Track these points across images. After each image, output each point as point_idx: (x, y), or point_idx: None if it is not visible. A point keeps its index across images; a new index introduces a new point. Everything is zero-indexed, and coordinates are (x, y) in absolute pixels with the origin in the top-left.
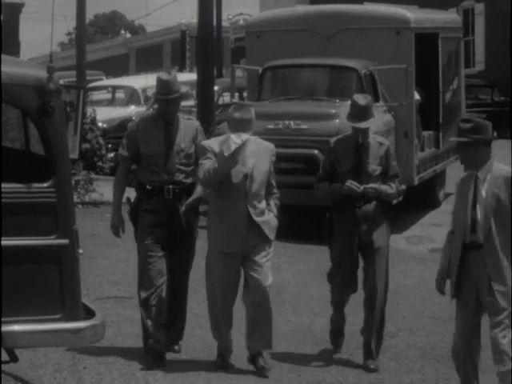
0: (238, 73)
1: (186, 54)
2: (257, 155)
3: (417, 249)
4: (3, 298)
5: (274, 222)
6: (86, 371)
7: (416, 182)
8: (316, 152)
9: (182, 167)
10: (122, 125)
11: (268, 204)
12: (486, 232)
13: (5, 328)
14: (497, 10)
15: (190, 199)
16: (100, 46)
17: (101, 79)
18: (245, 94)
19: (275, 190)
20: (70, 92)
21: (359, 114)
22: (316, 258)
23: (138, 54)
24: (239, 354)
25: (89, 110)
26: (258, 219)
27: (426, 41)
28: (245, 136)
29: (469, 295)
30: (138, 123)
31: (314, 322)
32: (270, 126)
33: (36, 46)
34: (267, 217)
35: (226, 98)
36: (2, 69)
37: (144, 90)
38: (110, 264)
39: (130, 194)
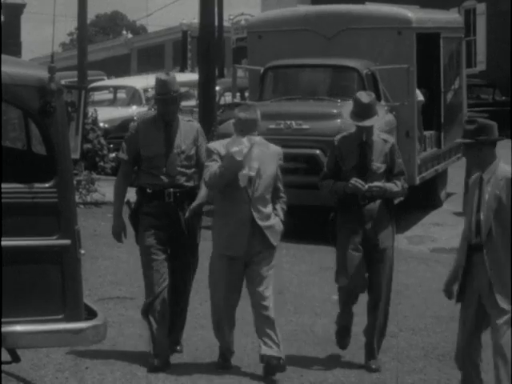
0: (240, 73)
1: (187, 55)
2: (263, 158)
3: (418, 249)
4: (5, 299)
5: (279, 227)
6: (87, 371)
7: (418, 181)
8: (317, 152)
9: (183, 169)
10: (123, 125)
11: (274, 208)
12: (487, 233)
13: (7, 328)
14: (498, 10)
15: (194, 204)
16: (101, 46)
17: (102, 79)
18: (246, 94)
19: (282, 195)
20: (71, 92)
21: (362, 111)
22: (318, 258)
23: (139, 55)
24: (241, 355)
25: (90, 110)
26: (262, 224)
27: (428, 41)
28: (254, 138)
29: (472, 296)
30: (138, 126)
31: (315, 322)
32: (272, 126)
33: (37, 46)
34: (272, 221)
35: (227, 98)
36: (4, 69)
37: (145, 90)
38: (111, 264)
39: (131, 194)
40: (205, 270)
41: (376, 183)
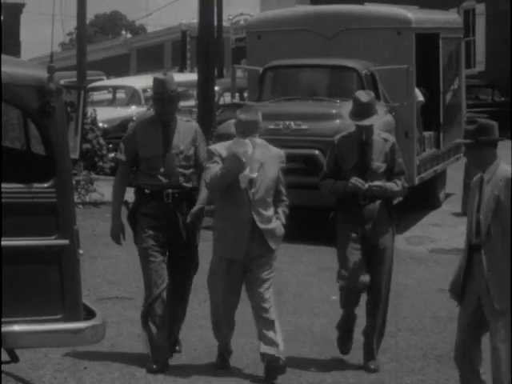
0: (239, 73)
1: (186, 55)
2: (264, 161)
3: (417, 249)
4: (4, 299)
5: (280, 231)
6: (86, 371)
7: (417, 182)
8: (316, 152)
9: (182, 170)
10: (122, 125)
11: (276, 212)
12: (485, 233)
13: (5, 328)
14: (497, 11)
15: (195, 208)
16: (101, 46)
17: (101, 79)
18: (245, 95)
19: (285, 198)
20: (70, 92)
21: (362, 111)
22: (316, 259)
23: (138, 55)
24: (239, 355)
25: (89, 110)
26: (262, 227)
27: (427, 41)
28: (256, 140)
29: (472, 297)
30: (136, 126)
31: (314, 322)
32: (271, 127)
33: (36, 46)
34: (273, 225)
35: (226, 98)
36: (3, 69)
37: (145, 90)
38: (110, 264)
39: (130, 194)
40: (203, 271)
41: (376, 182)
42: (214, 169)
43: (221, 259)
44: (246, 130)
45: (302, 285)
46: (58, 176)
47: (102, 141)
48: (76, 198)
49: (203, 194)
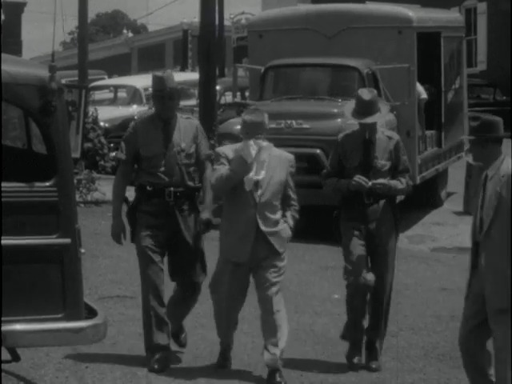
0: (240, 72)
1: (187, 54)
2: (271, 164)
3: (419, 248)
4: (5, 298)
5: (286, 233)
6: (87, 370)
7: (418, 181)
8: (318, 151)
9: (183, 168)
10: (123, 124)
11: (284, 215)
12: (486, 231)
13: (7, 327)
14: (499, 10)
15: (204, 217)
16: (102, 45)
17: (103, 78)
18: (247, 94)
19: (294, 203)
20: (71, 91)
21: (364, 109)
22: (318, 257)
23: (139, 54)
24: (241, 354)
25: (91, 110)
26: (266, 230)
27: (428, 40)
28: (262, 143)
29: (477, 294)
30: (136, 125)
31: (315, 321)
32: (272, 126)
33: (38, 45)
34: (278, 228)
35: (227, 97)
36: (4, 68)
37: (146, 90)
38: (111, 263)
39: (130, 193)
40: (207, 270)
41: (380, 180)
42: (220, 170)
43: (226, 261)
44: (251, 131)
45: (304, 284)
46: (60, 175)
47: (103, 140)
48: (77, 197)
49: (209, 195)
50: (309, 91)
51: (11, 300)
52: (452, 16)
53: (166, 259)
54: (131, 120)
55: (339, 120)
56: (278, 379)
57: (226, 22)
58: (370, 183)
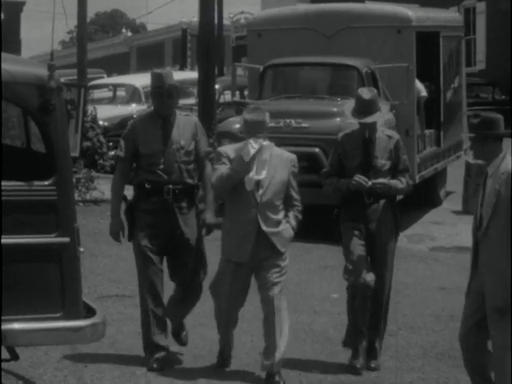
0: (239, 71)
1: (187, 53)
2: (273, 163)
3: (418, 247)
4: (4, 297)
5: (288, 233)
6: (86, 370)
7: (417, 180)
8: (317, 150)
9: (183, 165)
10: (122, 123)
11: (286, 215)
12: (485, 228)
13: (5, 326)
14: (498, 9)
15: (209, 218)
16: (101, 44)
17: (102, 77)
18: (246, 93)
19: (297, 203)
20: (70, 90)
21: (364, 108)
22: (317, 257)
23: (139, 53)
24: (240, 353)
25: (90, 108)
26: (267, 230)
27: (428, 39)
28: (262, 142)
29: (477, 292)
30: (135, 123)
31: (314, 320)
32: (271, 125)
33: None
34: (280, 228)
35: (227, 96)
36: (3, 67)
37: (145, 88)
38: (110, 262)
39: (129, 192)
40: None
41: (380, 180)
42: (221, 170)
43: (228, 261)
44: (251, 130)
45: (303, 283)
46: (59, 174)
47: (102, 139)
48: (76, 196)
49: (211, 195)
50: (308, 90)
51: (10, 299)
52: (451, 15)
53: (165, 259)
54: (130, 119)
55: (338, 119)
56: (277, 379)
57: (225, 22)
58: (369, 183)
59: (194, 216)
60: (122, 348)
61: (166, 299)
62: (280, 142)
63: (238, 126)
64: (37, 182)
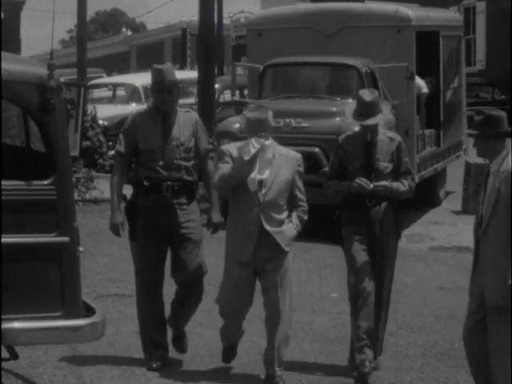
0: (239, 71)
1: (186, 52)
2: (276, 163)
3: (417, 247)
4: (3, 296)
5: (291, 232)
6: (86, 369)
7: (417, 180)
8: (317, 150)
9: (182, 162)
10: (122, 122)
11: (290, 215)
12: (485, 227)
13: (5, 325)
14: (498, 9)
15: (215, 218)
16: (101, 43)
17: (101, 77)
18: (245, 92)
19: (301, 203)
20: (70, 89)
21: (366, 110)
22: (316, 256)
23: (138, 52)
24: (239, 353)
25: (89, 108)
26: (270, 229)
27: (427, 39)
28: (265, 141)
29: (477, 291)
30: (135, 118)
31: (314, 320)
32: None
33: (36, 43)
34: (283, 227)
35: (226, 95)
36: (3, 66)
37: (145, 88)
38: (110, 262)
39: (127, 191)
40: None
41: (382, 182)
42: (223, 169)
43: (232, 261)
44: (253, 128)
45: (302, 282)
46: (58, 173)
47: (102, 138)
48: (76, 196)
49: (215, 194)
50: (308, 90)
51: (10, 298)
52: (451, 15)
53: (166, 259)
54: None
55: (338, 119)
56: (277, 379)
57: (225, 21)
58: (371, 185)
59: (194, 211)
60: (122, 347)
61: (165, 299)
62: (280, 142)
63: (237, 125)
64: (36, 182)
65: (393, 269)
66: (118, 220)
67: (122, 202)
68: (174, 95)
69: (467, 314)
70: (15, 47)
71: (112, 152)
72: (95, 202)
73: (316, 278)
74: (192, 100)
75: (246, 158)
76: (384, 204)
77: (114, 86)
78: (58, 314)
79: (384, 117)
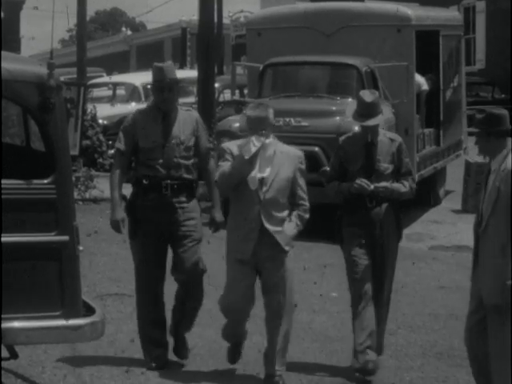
0: (239, 70)
1: (186, 51)
2: (277, 160)
3: (417, 246)
4: (3, 295)
5: (290, 231)
6: (85, 368)
7: (416, 179)
8: (316, 149)
9: (182, 161)
10: (122, 122)
11: (291, 213)
12: (484, 225)
13: (5, 325)
14: (498, 8)
15: (217, 216)
16: (101, 42)
17: (101, 76)
18: (245, 92)
19: (303, 202)
20: (70, 89)
21: (366, 111)
22: (316, 255)
23: (138, 51)
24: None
25: (89, 107)
26: (270, 228)
27: (427, 38)
28: (266, 139)
29: (477, 291)
30: (135, 116)
31: (313, 319)
32: None
33: (36, 42)
34: (283, 226)
35: (226, 95)
36: (3, 65)
37: (145, 87)
38: (110, 261)
39: (127, 191)
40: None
41: (382, 183)
42: (223, 167)
43: (233, 259)
44: (254, 126)
45: (302, 282)
46: (58, 172)
47: (101, 137)
48: (76, 195)
49: (216, 193)
50: (307, 89)
51: (9, 297)
52: (451, 14)
53: (167, 258)
54: None
55: (338, 118)
56: (276, 379)
57: (225, 20)
58: (372, 186)
59: (194, 210)
60: (122, 347)
61: (165, 299)
62: (279, 141)
63: (237, 124)
64: (36, 181)
65: (393, 269)
66: (118, 216)
67: (122, 201)
68: (174, 93)
69: (468, 314)
70: (15, 46)
71: (112, 151)
72: (95, 201)
73: (315, 277)
74: (192, 99)
75: (247, 156)
76: (385, 205)
77: (114, 86)
78: (57, 313)
79: (384, 116)
